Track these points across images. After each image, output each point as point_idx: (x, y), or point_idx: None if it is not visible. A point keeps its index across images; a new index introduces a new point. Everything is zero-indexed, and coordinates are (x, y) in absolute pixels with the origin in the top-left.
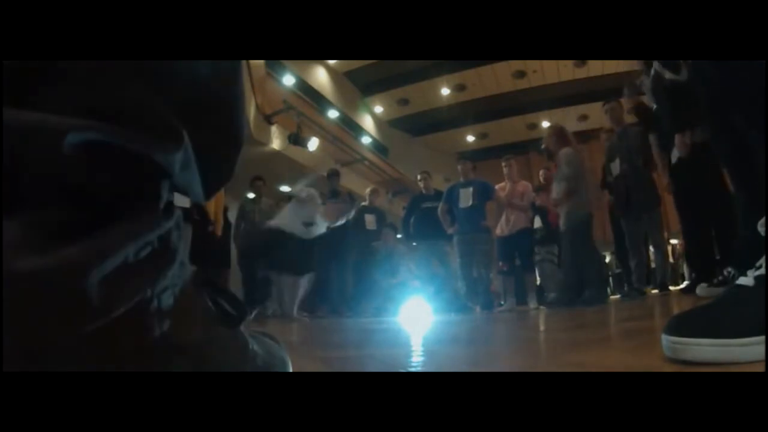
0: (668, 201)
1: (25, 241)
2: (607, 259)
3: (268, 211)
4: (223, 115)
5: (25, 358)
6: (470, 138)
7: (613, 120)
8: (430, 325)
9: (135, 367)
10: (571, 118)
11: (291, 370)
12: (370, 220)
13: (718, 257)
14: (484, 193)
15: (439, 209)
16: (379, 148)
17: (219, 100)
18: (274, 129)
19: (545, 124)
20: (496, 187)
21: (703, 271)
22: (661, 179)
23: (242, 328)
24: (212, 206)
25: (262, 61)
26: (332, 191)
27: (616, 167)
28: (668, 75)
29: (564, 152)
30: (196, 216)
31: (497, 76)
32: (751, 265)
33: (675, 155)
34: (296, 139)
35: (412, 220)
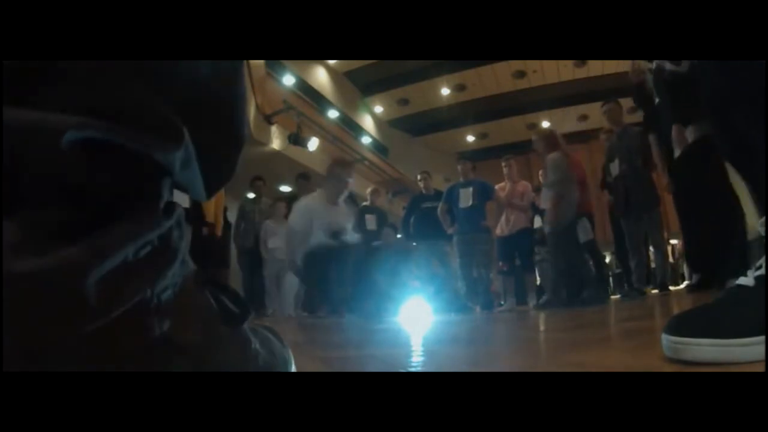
0: (668, 201)
1: (25, 241)
2: (607, 259)
3: (268, 211)
4: (224, 114)
5: (25, 358)
6: (470, 138)
7: (612, 120)
8: (430, 325)
9: (135, 367)
10: (571, 118)
11: (294, 370)
12: (370, 219)
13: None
14: (484, 193)
15: (439, 209)
16: (379, 148)
17: (220, 100)
18: (274, 129)
19: (545, 124)
20: (496, 187)
21: (703, 271)
22: (661, 179)
23: (245, 326)
24: (212, 206)
25: (262, 61)
26: None
27: (615, 167)
28: (669, 66)
29: (550, 157)
30: (192, 216)
31: (497, 76)
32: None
33: (677, 150)
34: (296, 139)
35: (412, 220)
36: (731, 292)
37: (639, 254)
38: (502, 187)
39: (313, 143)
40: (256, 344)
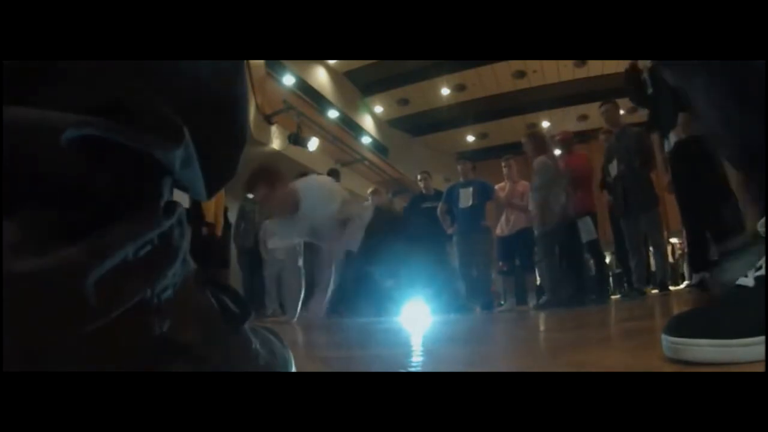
0: (667, 201)
1: (25, 241)
2: (607, 259)
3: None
4: (225, 114)
5: (25, 358)
6: (470, 138)
7: (610, 121)
8: (430, 325)
9: (135, 367)
10: (571, 118)
11: (294, 370)
12: None
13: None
14: (484, 193)
15: (439, 209)
16: (379, 148)
17: (220, 99)
18: (274, 129)
19: (545, 124)
20: (496, 187)
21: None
22: (661, 179)
23: (246, 326)
24: (212, 206)
25: (262, 61)
26: None
27: (613, 168)
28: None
29: (537, 161)
30: (192, 216)
31: (497, 76)
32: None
33: (672, 140)
34: (296, 139)
35: (412, 220)
36: (731, 293)
37: (639, 254)
38: (502, 187)
39: (313, 143)
40: (256, 344)
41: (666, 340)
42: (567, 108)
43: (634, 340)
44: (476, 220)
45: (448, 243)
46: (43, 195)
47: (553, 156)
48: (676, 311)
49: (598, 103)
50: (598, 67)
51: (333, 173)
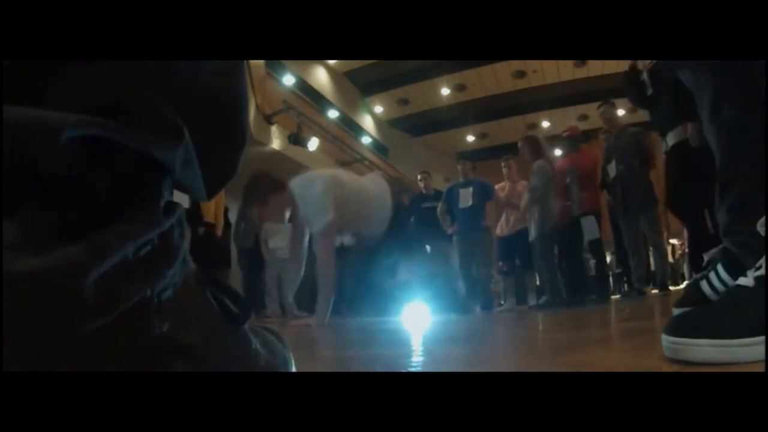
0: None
1: (25, 240)
2: (608, 259)
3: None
4: (225, 114)
5: (25, 358)
6: (470, 138)
7: (608, 122)
8: (430, 325)
9: (135, 367)
10: (571, 118)
11: (294, 370)
12: None
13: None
14: (484, 193)
15: (439, 209)
16: (379, 148)
17: (221, 99)
18: (274, 129)
19: (545, 124)
20: (496, 187)
21: (698, 268)
22: (661, 179)
23: (246, 326)
24: (212, 207)
25: (262, 61)
26: None
27: (612, 168)
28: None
29: (538, 164)
30: (191, 216)
31: (497, 76)
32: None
33: (670, 142)
34: (296, 139)
35: (412, 220)
36: (731, 293)
37: (639, 254)
38: (501, 187)
39: (313, 143)
40: (256, 344)
41: (666, 340)
42: (567, 108)
43: (634, 340)
44: (476, 220)
45: (448, 243)
46: (43, 195)
47: (551, 158)
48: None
49: (597, 103)
50: (598, 67)
51: None
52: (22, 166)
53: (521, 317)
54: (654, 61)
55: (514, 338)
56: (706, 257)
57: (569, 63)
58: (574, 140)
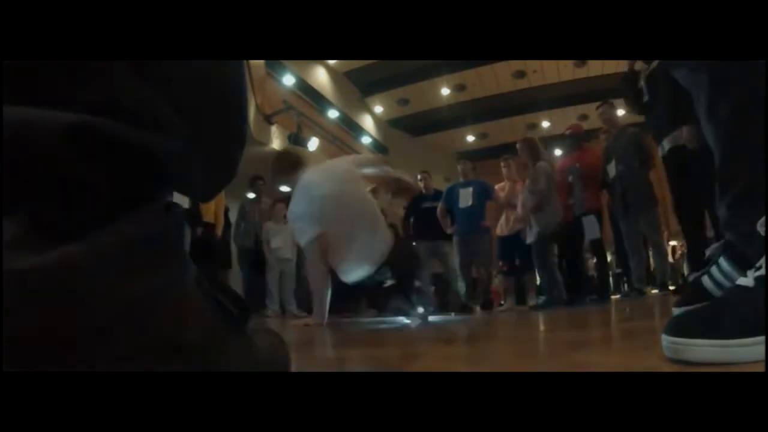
0: (667, 201)
1: (24, 239)
2: (608, 259)
3: (269, 212)
4: (225, 114)
5: (25, 357)
6: (470, 138)
7: (607, 122)
8: (430, 326)
9: (135, 367)
10: (571, 118)
11: (294, 370)
12: None
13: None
14: (484, 193)
15: (439, 209)
16: (379, 148)
17: (221, 100)
18: (274, 129)
19: (545, 124)
20: (496, 187)
21: (696, 271)
22: (662, 180)
23: (246, 327)
24: (211, 207)
25: (262, 61)
26: None
27: (612, 168)
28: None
29: (542, 166)
30: (190, 217)
31: (497, 76)
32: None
33: (666, 147)
34: (296, 139)
35: (411, 220)
36: (731, 293)
37: (638, 254)
38: (501, 187)
39: (313, 143)
40: (256, 345)
41: (666, 340)
42: (567, 108)
43: (634, 340)
44: (476, 220)
45: (448, 243)
46: (43, 194)
47: (550, 159)
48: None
49: (597, 103)
50: (598, 67)
51: None
52: (22, 166)
53: (521, 317)
54: (650, 67)
55: (514, 338)
56: (707, 252)
57: (569, 63)
58: (577, 138)
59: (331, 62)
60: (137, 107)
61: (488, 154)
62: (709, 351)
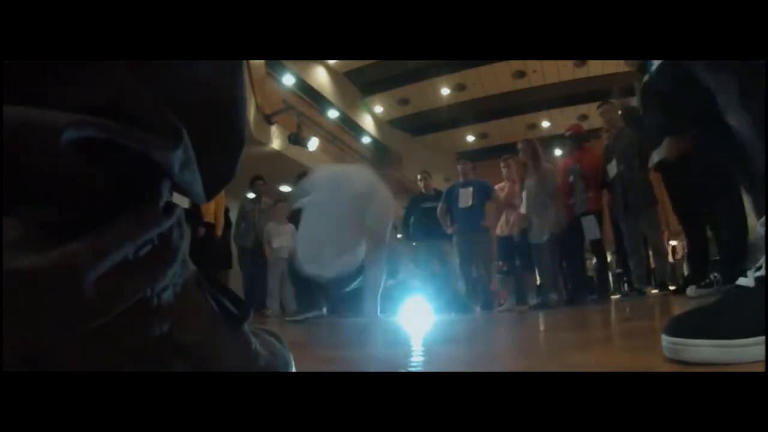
0: (667, 201)
1: (25, 239)
2: (608, 259)
3: (270, 212)
4: (224, 115)
5: (25, 358)
6: (470, 138)
7: (608, 122)
8: (430, 325)
9: (135, 367)
10: (571, 118)
11: (294, 370)
12: None
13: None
14: (484, 193)
15: (438, 209)
16: (379, 148)
17: (220, 101)
18: (274, 129)
19: (545, 124)
20: (496, 187)
21: (696, 272)
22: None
23: (246, 327)
24: (212, 207)
25: (262, 61)
26: None
27: (612, 168)
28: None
29: (548, 167)
30: (190, 217)
31: (497, 76)
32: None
33: (655, 159)
34: (296, 139)
35: (411, 220)
36: (731, 293)
37: (638, 254)
38: (501, 187)
39: (313, 143)
40: (256, 345)
41: (666, 340)
42: (567, 108)
43: (634, 340)
44: (476, 220)
45: (448, 243)
46: (43, 194)
47: (552, 160)
48: (676, 311)
49: (597, 103)
50: (598, 67)
51: None
52: (22, 166)
53: (521, 317)
54: (645, 78)
55: (514, 338)
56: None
57: (569, 63)
58: (578, 139)
59: (331, 62)
60: (137, 108)
61: (488, 154)
62: (708, 351)
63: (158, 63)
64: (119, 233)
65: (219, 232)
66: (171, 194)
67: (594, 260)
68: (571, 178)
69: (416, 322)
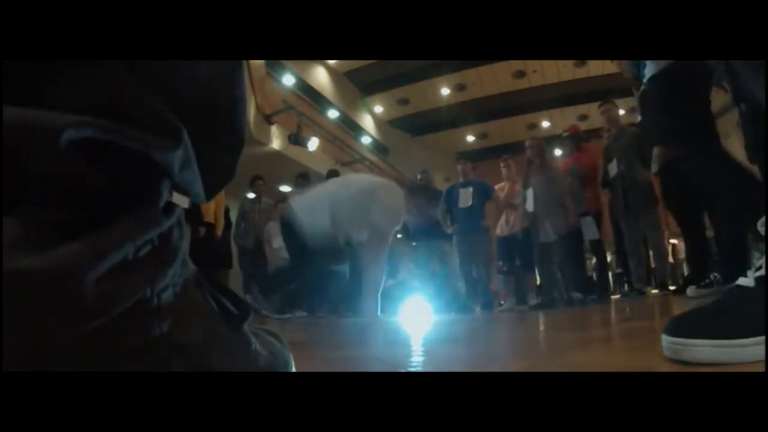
0: None
1: (25, 239)
2: (608, 259)
3: (270, 213)
4: (224, 115)
5: (25, 358)
6: (470, 138)
7: (609, 121)
8: (430, 325)
9: (135, 367)
10: (571, 118)
11: (294, 370)
12: None
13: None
14: (484, 193)
15: (439, 209)
16: (379, 148)
17: (220, 101)
18: (274, 129)
19: (545, 124)
20: (496, 187)
21: (696, 272)
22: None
23: (245, 327)
24: (211, 207)
25: (262, 61)
26: None
27: (613, 168)
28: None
29: (557, 167)
30: (190, 217)
31: (497, 76)
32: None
33: (654, 166)
34: (296, 139)
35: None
36: (731, 293)
37: (639, 254)
38: (501, 188)
39: (313, 143)
40: (256, 345)
41: (666, 340)
42: (567, 108)
43: (634, 340)
44: (476, 220)
45: (448, 243)
46: (43, 194)
47: (555, 160)
48: (676, 311)
49: (598, 103)
50: (598, 67)
51: (332, 173)
52: (22, 166)
53: (521, 317)
54: (642, 86)
55: (514, 338)
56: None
57: (569, 63)
58: (576, 139)
59: (331, 62)
60: (137, 108)
61: (488, 154)
62: (708, 351)
63: (158, 63)
64: (119, 233)
65: (219, 232)
66: (171, 194)
67: (594, 260)
68: (569, 179)
69: (416, 322)
